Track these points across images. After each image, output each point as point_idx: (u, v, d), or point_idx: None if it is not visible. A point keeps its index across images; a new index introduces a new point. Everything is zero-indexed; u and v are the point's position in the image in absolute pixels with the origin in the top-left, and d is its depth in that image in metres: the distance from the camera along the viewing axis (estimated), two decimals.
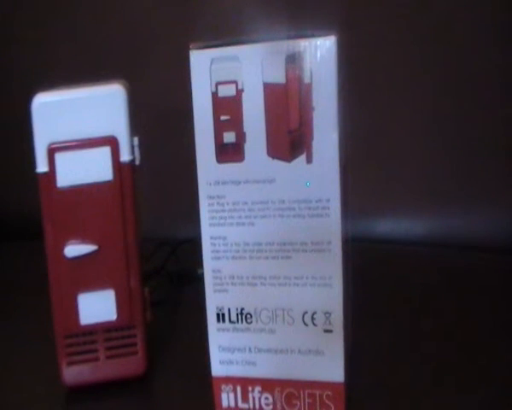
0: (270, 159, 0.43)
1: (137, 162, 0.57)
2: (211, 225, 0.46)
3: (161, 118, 0.92)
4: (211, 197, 0.46)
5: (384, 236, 0.84)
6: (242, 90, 0.43)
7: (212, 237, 0.47)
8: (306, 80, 0.42)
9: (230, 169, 0.45)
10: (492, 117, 0.85)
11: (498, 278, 0.73)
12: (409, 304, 0.66)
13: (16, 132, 0.64)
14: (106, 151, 0.56)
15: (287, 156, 0.43)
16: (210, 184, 0.45)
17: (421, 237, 0.86)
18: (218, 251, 0.46)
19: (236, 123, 0.43)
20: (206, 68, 0.43)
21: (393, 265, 0.73)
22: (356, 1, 0.87)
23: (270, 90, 0.42)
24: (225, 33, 0.45)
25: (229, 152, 0.44)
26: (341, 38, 0.42)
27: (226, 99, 0.43)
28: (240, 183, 0.45)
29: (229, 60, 0.43)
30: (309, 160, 0.43)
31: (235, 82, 0.43)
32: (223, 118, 0.44)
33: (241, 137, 0.44)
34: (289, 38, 0.42)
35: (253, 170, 0.44)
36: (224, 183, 0.45)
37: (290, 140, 0.43)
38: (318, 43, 0.42)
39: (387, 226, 0.86)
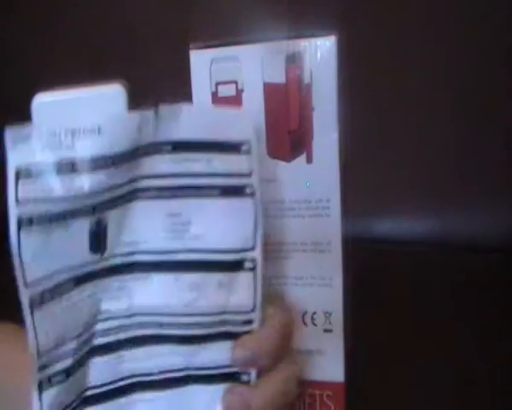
0: (270, 159, 0.43)
1: None
2: None
3: None
4: None
5: (384, 236, 0.84)
6: (242, 91, 0.43)
7: None
8: (306, 80, 0.42)
9: None
10: (492, 117, 0.85)
11: (498, 278, 0.73)
12: (408, 304, 0.67)
13: None
14: None
15: (287, 156, 0.43)
16: None
17: (421, 237, 0.86)
18: None
19: None
20: (206, 68, 0.43)
21: (393, 265, 0.73)
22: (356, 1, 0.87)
23: (270, 90, 0.42)
24: (225, 33, 0.45)
25: None
26: (342, 38, 0.43)
27: (226, 99, 0.43)
28: None
29: (229, 60, 0.43)
30: (309, 160, 0.43)
31: (235, 82, 0.43)
32: None
33: None
34: (289, 38, 0.42)
35: None
36: None
37: (290, 140, 0.43)
38: (318, 43, 0.42)
39: (387, 226, 0.86)
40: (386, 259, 0.74)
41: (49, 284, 0.34)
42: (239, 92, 0.43)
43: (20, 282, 0.33)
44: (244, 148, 0.38)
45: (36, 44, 0.97)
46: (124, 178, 0.36)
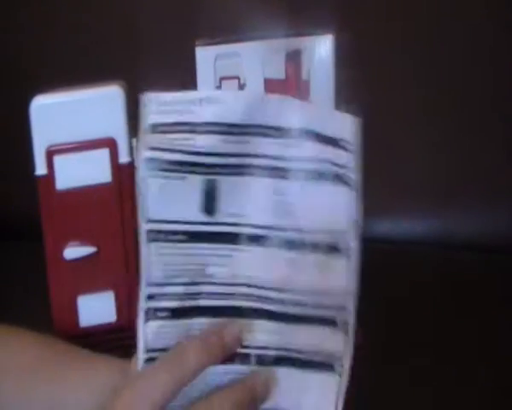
0: None
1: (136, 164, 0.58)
2: None
3: None
4: None
5: (384, 236, 0.84)
6: (244, 85, 0.45)
7: None
8: (304, 77, 0.44)
9: None
10: (492, 117, 0.86)
11: (498, 278, 0.74)
12: (408, 303, 0.67)
13: (17, 133, 0.65)
14: (104, 153, 0.57)
15: None
16: None
17: (421, 237, 0.87)
18: None
19: None
20: (211, 64, 0.45)
21: (393, 265, 0.74)
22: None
23: (270, 85, 0.44)
24: (226, 33, 0.46)
25: None
26: (346, 36, 0.44)
27: None
28: None
29: (233, 56, 0.45)
30: None
31: (238, 77, 0.45)
32: None
33: None
34: (289, 36, 0.44)
35: None
36: None
37: None
38: (316, 41, 0.44)
39: (387, 226, 0.87)
40: (386, 259, 0.74)
41: (165, 228, 0.40)
42: (241, 87, 0.45)
43: (140, 216, 0.41)
44: (348, 146, 0.41)
45: (36, 44, 0.97)
46: (235, 149, 0.40)
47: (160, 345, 0.41)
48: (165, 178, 0.40)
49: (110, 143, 0.57)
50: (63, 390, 0.48)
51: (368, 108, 0.84)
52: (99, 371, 0.48)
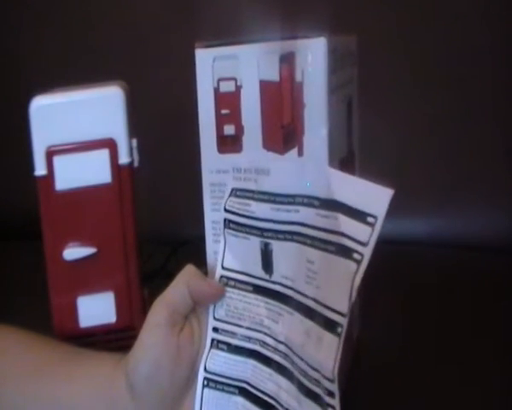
0: (266, 151, 0.50)
1: (136, 164, 0.62)
2: (212, 210, 0.53)
3: (162, 119, 0.97)
4: (213, 185, 0.52)
5: (384, 236, 0.86)
6: (241, 87, 0.49)
7: (213, 222, 0.53)
8: (298, 79, 0.48)
9: (230, 159, 0.51)
10: (492, 118, 0.91)
11: (498, 278, 0.78)
12: (408, 304, 0.71)
13: (17, 134, 0.68)
14: (104, 154, 0.60)
15: (280, 149, 0.49)
16: (212, 172, 0.52)
17: (422, 237, 0.91)
18: (219, 234, 0.53)
19: (235, 117, 0.50)
20: (209, 65, 0.49)
21: (393, 265, 0.74)
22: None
23: (265, 87, 0.48)
24: (224, 35, 0.50)
25: (228, 143, 0.51)
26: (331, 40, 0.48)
27: (226, 94, 0.49)
28: None
29: (230, 58, 0.49)
30: (300, 153, 0.49)
31: (235, 79, 0.49)
32: (223, 112, 0.50)
33: (239, 129, 0.50)
34: (283, 38, 0.48)
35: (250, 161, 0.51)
36: (225, 171, 0.52)
37: (283, 134, 0.49)
38: (309, 44, 0.47)
39: (388, 226, 0.89)
40: (387, 259, 0.76)
41: (235, 277, 0.51)
42: (238, 88, 0.49)
43: (218, 263, 0.51)
44: (370, 220, 0.43)
45: (35, 45, 1.02)
46: (284, 217, 0.48)
47: (216, 370, 0.51)
48: (235, 236, 0.50)
49: (110, 144, 0.60)
50: (69, 387, 0.52)
51: (368, 107, 0.89)
52: (102, 365, 0.52)
